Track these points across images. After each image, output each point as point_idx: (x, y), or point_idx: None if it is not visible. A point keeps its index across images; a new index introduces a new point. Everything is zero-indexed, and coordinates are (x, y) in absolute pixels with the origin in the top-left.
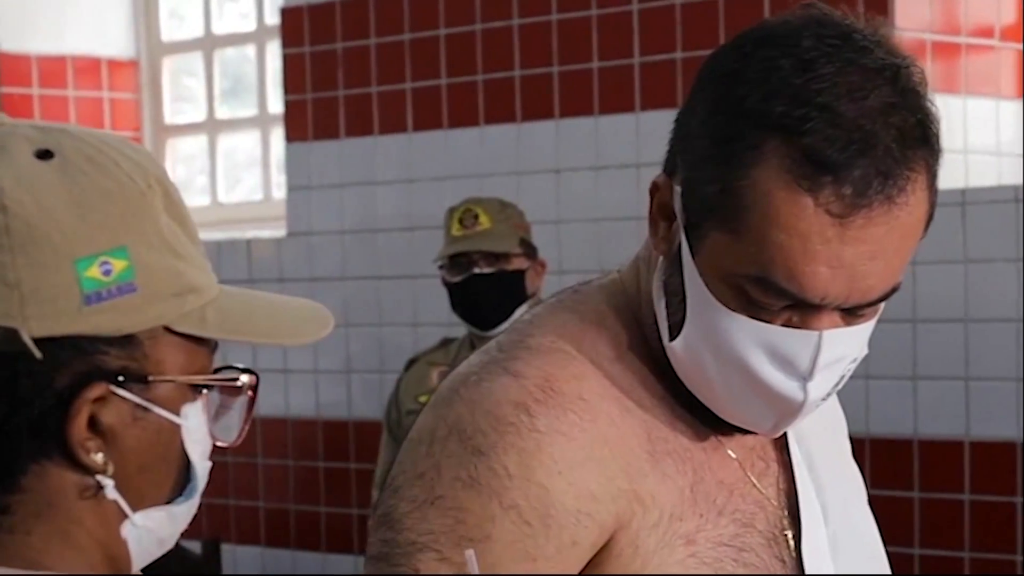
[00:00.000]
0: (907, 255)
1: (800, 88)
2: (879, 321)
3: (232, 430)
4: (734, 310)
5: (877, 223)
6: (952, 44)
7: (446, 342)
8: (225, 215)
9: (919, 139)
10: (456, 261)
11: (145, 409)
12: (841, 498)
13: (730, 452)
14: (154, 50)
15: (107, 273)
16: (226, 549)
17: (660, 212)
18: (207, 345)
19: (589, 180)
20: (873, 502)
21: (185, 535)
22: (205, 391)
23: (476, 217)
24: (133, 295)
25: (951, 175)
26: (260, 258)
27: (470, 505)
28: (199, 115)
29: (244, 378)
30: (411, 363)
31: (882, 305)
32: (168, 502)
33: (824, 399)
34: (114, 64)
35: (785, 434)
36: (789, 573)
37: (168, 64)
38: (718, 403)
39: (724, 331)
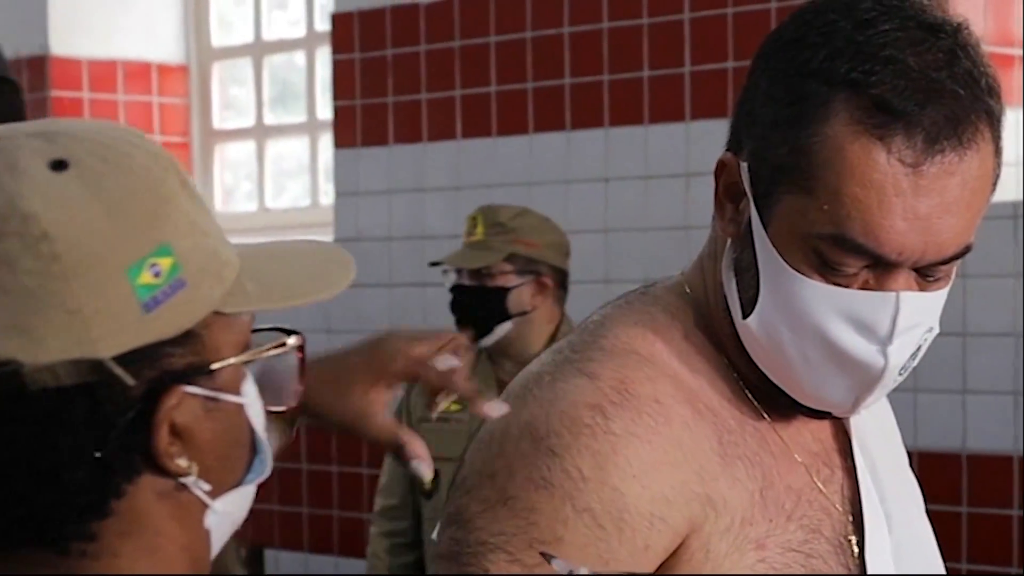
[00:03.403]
0: (978, 212)
1: (863, 44)
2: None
3: (281, 393)
4: (810, 277)
5: (949, 172)
6: (1007, 56)
7: None
8: (272, 221)
9: (984, 89)
10: (459, 270)
11: (215, 400)
12: (903, 507)
13: (797, 457)
14: (204, 55)
15: (158, 275)
16: (269, 554)
17: (727, 193)
18: (248, 314)
19: (638, 189)
20: None
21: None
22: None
23: (475, 226)
24: (185, 289)
25: (1007, 187)
26: None
27: (542, 507)
28: (247, 121)
29: (291, 340)
30: None
31: (953, 273)
32: (241, 482)
33: (902, 373)
34: (164, 69)
35: (849, 441)
36: None
37: (217, 69)
38: (795, 382)
39: (800, 299)
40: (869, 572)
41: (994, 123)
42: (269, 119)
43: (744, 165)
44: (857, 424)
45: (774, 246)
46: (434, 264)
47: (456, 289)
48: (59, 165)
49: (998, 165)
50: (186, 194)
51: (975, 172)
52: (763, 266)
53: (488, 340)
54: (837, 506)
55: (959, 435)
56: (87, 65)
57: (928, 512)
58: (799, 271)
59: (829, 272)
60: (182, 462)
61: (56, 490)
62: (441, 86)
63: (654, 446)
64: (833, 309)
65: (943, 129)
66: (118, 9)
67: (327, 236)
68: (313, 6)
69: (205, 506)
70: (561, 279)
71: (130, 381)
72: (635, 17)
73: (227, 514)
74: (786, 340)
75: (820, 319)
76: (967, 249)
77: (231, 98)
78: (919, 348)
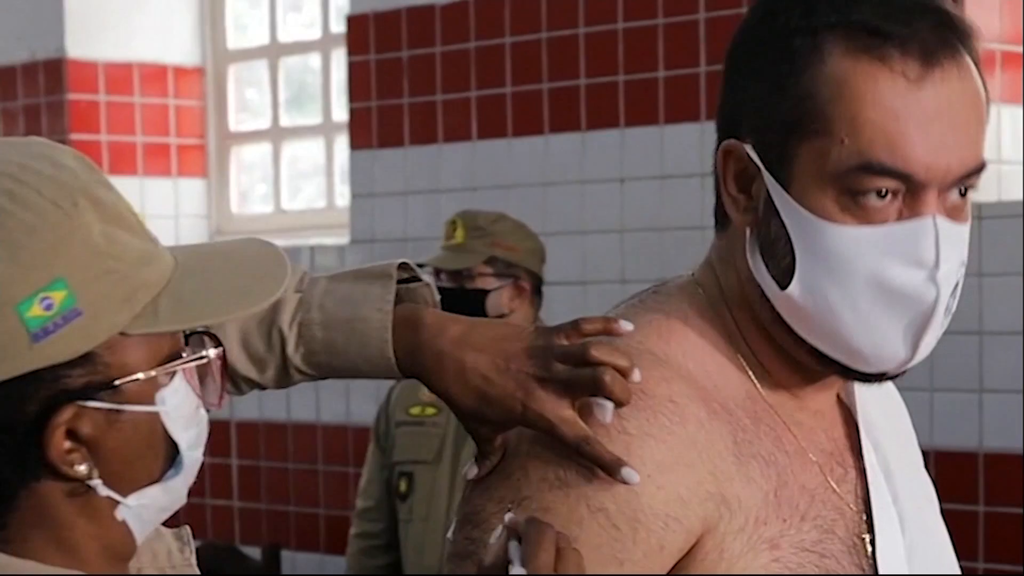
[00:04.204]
0: (983, 125)
1: None
2: (945, 333)
3: (215, 393)
4: (844, 223)
5: (950, 81)
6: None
7: None
8: (288, 222)
9: (961, 18)
10: (437, 272)
11: (119, 411)
12: (916, 508)
13: (811, 456)
14: (220, 58)
15: (48, 308)
16: (286, 555)
17: (736, 184)
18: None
19: (654, 189)
20: None
21: (245, 541)
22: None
23: (455, 230)
24: (80, 318)
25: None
26: (323, 265)
27: (558, 507)
28: (263, 123)
29: (211, 353)
30: None
31: (968, 209)
32: (159, 479)
33: (947, 315)
34: (180, 71)
35: (860, 440)
36: None
37: (233, 72)
38: (849, 341)
39: (840, 248)
40: (881, 572)
41: (972, 51)
42: (285, 121)
43: (749, 144)
44: (869, 423)
45: (801, 205)
46: (420, 265)
47: (439, 291)
48: None
49: (985, 88)
50: (104, 221)
51: (972, 83)
52: (794, 230)
53: None
54: (851, 505)
55: (976, 434)
56: (103, 68)
57: (944, 511)
58: (833, 220)
59: (862, 212)
60: (82, 468)
61: None
62: (456, 87)
63: (669, 446)
64: (875, 248)
65: (936, 42)
66: (134, 12)
67: (343, 237)
68: (328, 8)
69: (116, 502)
70: (537, 284)
71: None
72: (650, 17)
73: (145, 507)
74: (832, 296)
75: (864, 261)
76: (983, 166)
77: (247, 100)
78: (957, 285)
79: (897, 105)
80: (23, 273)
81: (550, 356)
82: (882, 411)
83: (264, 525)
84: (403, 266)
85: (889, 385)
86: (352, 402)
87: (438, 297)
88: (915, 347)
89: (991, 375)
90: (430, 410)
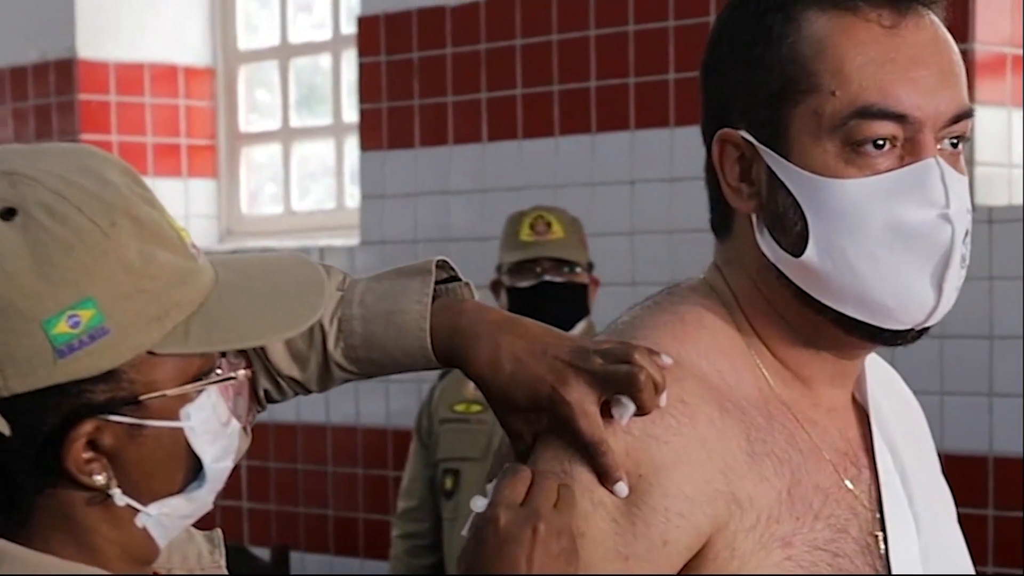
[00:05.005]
0: (963, 77)
1: None
2: (955, 337)
3: (243, 408)
4: (850, 176)
5: (925, 28)
6: None
7: None
8: (298, 223)
9: None
10: (524, 267)
11: (141, 426)
12: (932, 511)
13: (825, 455)
14: (230, 58)
15: (75, 325)
16: (295, 556)
17: (736, 172)
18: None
19: (664, 192)
20: None
21: (254, 542)
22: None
23: (549, 225)
24: (107, 336)
25: None
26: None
27: None
28: (273, 123)
29: (240, 373)
30: (446, 371)
31: (963, 162)
32: (182, 490)
33: (964, 265)
34: (191, 72)
35: (874, 441)
36: None
37: (244, 72)
38: (873, 294)
39: (851, 201)
40: (895, 572)
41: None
42: (295, 122)
43: (742, 129)
44: (883, 424)
45: (804, 169)
46: (523, 261)
47: (544, 285)
48: (8, 213)
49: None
50: (142, 240)
51: (944, 33)
52: (801, 195)
53: None
54: (865, 504)
55: (985, 438)
56: (114, 68)
57: (1005, 519)
58: (838, 176)
59: (864, 163)
60: (100, 478)
61: None
62: (467, 89)
63: (672, 446)
64: (884, 195)
65: None
66: (145, 12)
67: (353, 239)
68: (339, 9)
69: (136, 510)
70: None
71: (5, 430)
72: (661, 19)
73: (167, 515)
74: (850, 252)
75: (875, 210)
76: (971, 111)
77: (257, 101)
78: (967, 233)
79: (879, 50)
80: (53, 290)
81: (590, 350)
82: (897, 414)
83: (273, 526)
84: (443, 265)
85: (905, 390)
86: (362, 404)
87: (476, 296)
88: (939, 290)
89: (1001, 379)
90: (475, 407)
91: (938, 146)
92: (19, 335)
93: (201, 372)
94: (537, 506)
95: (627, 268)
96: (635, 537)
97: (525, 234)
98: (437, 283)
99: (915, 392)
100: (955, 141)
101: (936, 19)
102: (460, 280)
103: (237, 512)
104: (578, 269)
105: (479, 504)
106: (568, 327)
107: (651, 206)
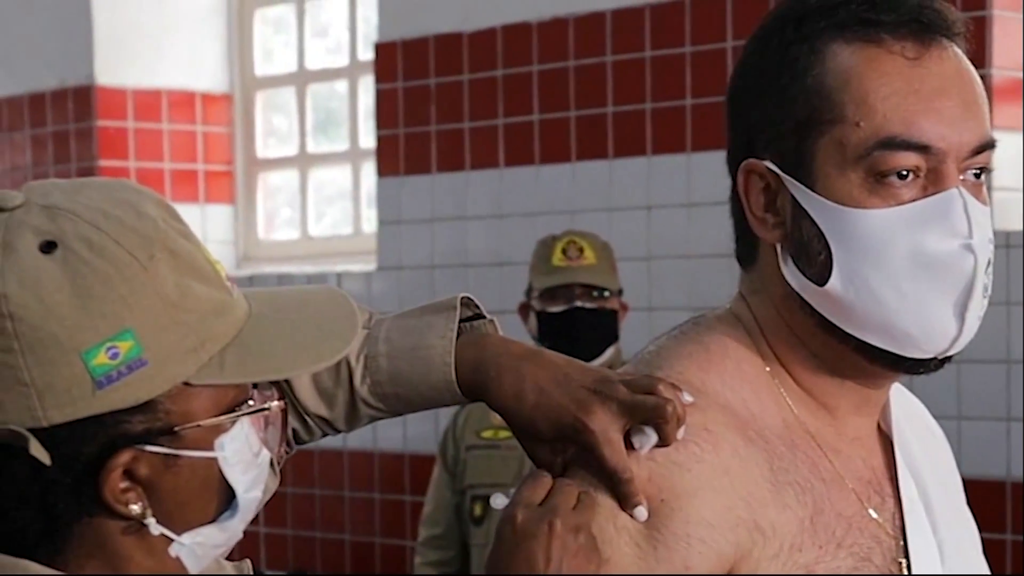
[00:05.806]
0: (986, 108)
1: (820, 3)
2: (973, 362)
3: (275, 439)
4: (874, 207)
5: (948, 59)
6: None
7: None
8: (314, 248)
9: (943, 3)
10: (556, 292)
11: (177, 456)
12: (957, 540)
13: (848, 483)
14: (247, 84)
15: (114, 357)
16: None
17: (761, 203)
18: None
19: (681, 217)
20: None
21: (271, 565)
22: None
23: (581, 250)
24: (145, 368)
25: None
26: (350, 291)
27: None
28: (290, 149)
29: (273, 404)
30: None
31: (986, 193)
32: (214, 519)
33: (986, 295)
34: (208, 98)
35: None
36: None
37: (261, 98)
38: (897, 324)
39: (875, 232)
40: None
41: (958, 29)
42: (312, 147)
43: (766, 159)
44: (907, 453)
45: (828, 199)
46: (555, 287)
47: (575, 311)
48: (48, 247)
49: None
50: (180, 273)
51: (967, 63)
52: (825, 225)
53: (596, 364)
54: (889, 532)
55: (1003, 462)
56: (132, 95)
57: None
58: (862, 206)
59: (888, 194)
60: (135, 508)
61: (7, 523)
62: (484, 114)
63: (694, 474)
64: (907, 225)
65: (925, 24)
66: (162, 39)
67: (370, 264)
68: (356, 35)
69: (170, 539)
70: None
71: (45, 459)
72: (678, 46)
73: (200, 544)
74: (873, 281)
75: (899, 240)
76: (994, 143)
77: (274, 126)
78: (990, 263)
79: (903, 81)
80: (93, 322)
81: (614, 380)
82: (923, 444)
83: (290, 550)
84: (468, 303)
85: (932, 421)
86: (379, 430)
87: (501, 332)
88: (962, 319)
89: (1019, 403)
90: (503, 433)
91: (961, 177)
92: (59, 366)
93: (235, 403)
94: (555, 504)
95: (644, 293)
96: (657, 561)
97: (557, 259)
98: (462, 321)
99: (933, 416)
100: (978, 172)
101: (959, 51)
102: (484, 317)
103: (254, 537)
104: (608, 295)
105: (499, 501)
106: (598, 352)
107: (668, 231)
